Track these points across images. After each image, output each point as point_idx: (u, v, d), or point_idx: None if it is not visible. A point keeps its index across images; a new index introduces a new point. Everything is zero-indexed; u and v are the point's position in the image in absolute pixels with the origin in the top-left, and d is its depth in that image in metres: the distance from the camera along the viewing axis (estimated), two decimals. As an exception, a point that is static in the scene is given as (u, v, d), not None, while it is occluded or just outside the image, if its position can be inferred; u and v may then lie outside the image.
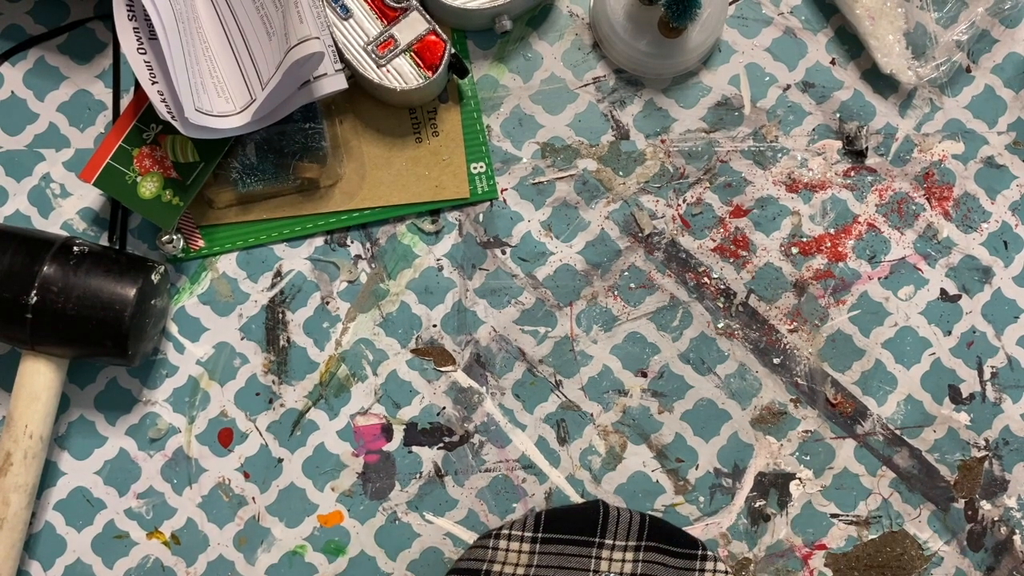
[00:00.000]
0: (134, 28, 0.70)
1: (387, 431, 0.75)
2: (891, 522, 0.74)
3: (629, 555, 0.70)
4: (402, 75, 0.73)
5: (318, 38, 0.67)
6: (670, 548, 0.71)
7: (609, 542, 0.70)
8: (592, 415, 0.75)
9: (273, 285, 0.76)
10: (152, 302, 0.71)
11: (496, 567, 0.70)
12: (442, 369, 0.75)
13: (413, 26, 0.73)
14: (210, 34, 0.73)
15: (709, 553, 0.71)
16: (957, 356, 0.76)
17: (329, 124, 0.75)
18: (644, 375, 0.76)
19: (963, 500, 0.75)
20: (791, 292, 0.76)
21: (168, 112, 0.69)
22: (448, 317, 0.76)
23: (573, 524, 0.70)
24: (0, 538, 0.69)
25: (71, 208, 0.77)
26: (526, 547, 0.70)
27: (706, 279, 0.76)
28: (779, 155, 0.77)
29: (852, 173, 0.77)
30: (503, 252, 0.76)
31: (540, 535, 0.70)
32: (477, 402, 0.75)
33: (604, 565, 0.70)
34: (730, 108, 0.78)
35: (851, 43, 0.78)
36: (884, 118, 0.78)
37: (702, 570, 0.71)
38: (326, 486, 0.74)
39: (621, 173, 0.77)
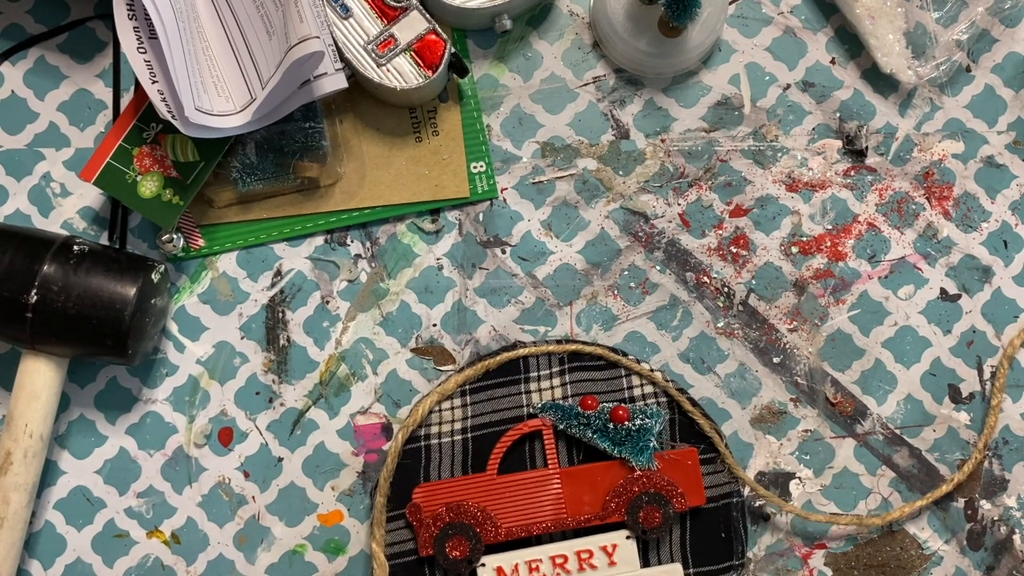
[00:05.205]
0: (134, 27, 0.70)
1: (387, 430, 0.75)
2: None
3: (556, 380, 0.72)
4: (402, 74, 0.73)
5: (318, 37, 0.67)
6: (592, 364, 0.73)
7: (534, 374, 0.73)
8: (592, 414, 0.75)
9: (273, 284, 0.76)
10: (152, 301, 0.71)
11: (434, 428, 0.72)
12: (442, 368, 0.75)
13: (413, 25, 0.73)
14: (210, 33, 0.73)
15: (634, 363, 0.73)
16: (957, 355, 0.76)
17: (329, 123, 0.75)
18: (644, 374, 0.75)
19: (963, 500, 0.75)
20: (791, 291, 0.76)
21: (168, 111, 0.69)
22: (448, 316, 0.76)
23: (497, 373, 0.73)
24: (0, 537, 0.69)
25: (71, 207, 0.77)
26: (457, 402, 0.72)
27: (706, 278, 0.76)
28: (779, 154, 0.77)
29: (852, 172, 0.77)
30: (503, 251, 0.76)
31: (468, 387, 0.73)
32: (477, 401, 0.75)
33: (535, 397, 0.72)
34: (730, 107, 0.78)
35: (851, 42, 0.78)
36: (884, 117, 0.78)
37: (628, 375, 0.73)
38: (326, 485, 0.74)
39: (621, 172, 0.77)
